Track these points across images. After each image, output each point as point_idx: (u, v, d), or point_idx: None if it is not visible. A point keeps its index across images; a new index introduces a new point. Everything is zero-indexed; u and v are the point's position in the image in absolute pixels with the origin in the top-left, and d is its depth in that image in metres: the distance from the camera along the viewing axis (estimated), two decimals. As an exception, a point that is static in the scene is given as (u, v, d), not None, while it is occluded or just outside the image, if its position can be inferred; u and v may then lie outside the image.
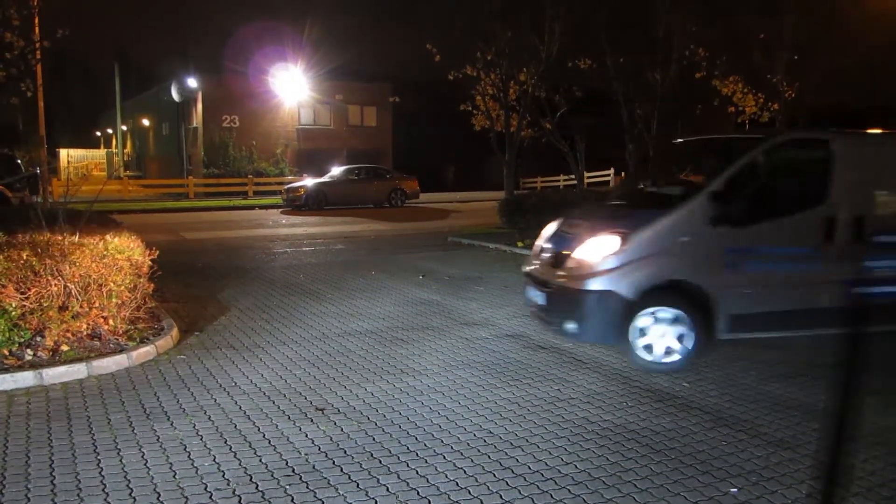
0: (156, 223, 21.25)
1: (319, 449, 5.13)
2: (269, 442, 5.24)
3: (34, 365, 6.54)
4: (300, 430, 5.47)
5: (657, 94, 23.07)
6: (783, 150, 7.69)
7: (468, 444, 5.25)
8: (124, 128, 56.75)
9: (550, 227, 8.35)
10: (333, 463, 4.90)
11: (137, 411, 5.81)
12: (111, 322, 7.39)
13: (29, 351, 6.75)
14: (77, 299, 7.06)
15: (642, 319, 7.04)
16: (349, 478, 4.68)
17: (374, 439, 5.31)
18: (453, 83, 24.68)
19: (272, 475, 4.71)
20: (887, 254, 6.56)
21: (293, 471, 4.78)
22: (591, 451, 5.15)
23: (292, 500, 4.38)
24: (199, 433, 5.38)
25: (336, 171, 30.19)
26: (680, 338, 7.05)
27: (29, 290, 6.86)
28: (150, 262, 8.35)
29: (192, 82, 38.08)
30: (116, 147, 56.74)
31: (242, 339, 8.04)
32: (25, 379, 6.34)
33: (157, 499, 4.38)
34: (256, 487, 4.54)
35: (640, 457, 5.06)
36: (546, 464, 4.93)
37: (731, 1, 23.51)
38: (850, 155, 7.36)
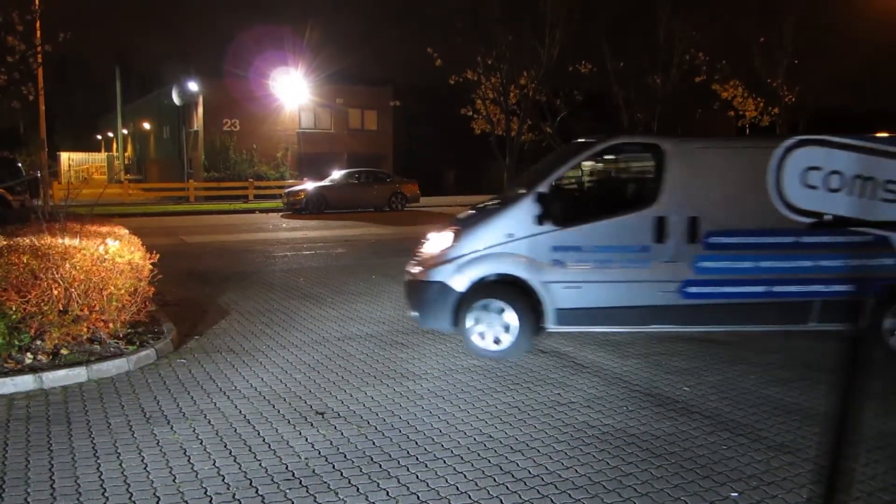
0: (156, 227, 21.26)
1: (319, 453, 5.12)
2: (269, 446, 5.24)
3: (34, 368, 6.54)
4: (300, 434, 5.47)
5: (657, 99, 23.12)
6: (613, 154, 8.13)
7: (468, 448, 5.24)
8: (125, 131, 56.82)
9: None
10: (333, 467, 4.90)
11: (137, 415, 5.81)
12: (111, 326, 7.39)
13: (29, 354, 6.74)
14: (77, 303, 7.06)
15: (476, 309, 7.58)
16: (349, 482, 4.68)
17: (374, 443, 5.30)
18: (454, 87, 24.72)
19: (272, 479, 4.70)
20: (719, 254, 7.45)
21: (293, 475, 4.77)
22: (592, 455, 5.15)
23: (292, 505, 4.37)
24: (199, 437, 5.38)
25: (336, 174, 30.20)
26: (508, 328, 7.52)
27: (29, 293, 6.86)
28: (150, 266, 8.35)
29: (192, 86, 38.11)
30: (117, 151, 56.80)
31: (242, 343, 8.04)
32: (25, 382, 6.34)
33: (157, 503, 4.37)
34: (256, 492, 4.54)
35: (640, 461, 5.06)
36: (546, 468, 4.93)
37: (732, 5, 23.57)
38: (682, 159, 7.62)
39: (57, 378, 6.48)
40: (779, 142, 7.64)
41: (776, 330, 8.01)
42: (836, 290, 7.53)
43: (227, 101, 37.57)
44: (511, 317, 7.50)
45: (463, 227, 7.93)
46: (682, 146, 7.76)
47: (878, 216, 7.43)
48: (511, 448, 5.25)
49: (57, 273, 7.04)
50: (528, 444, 5.32)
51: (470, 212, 8.45)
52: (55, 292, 6.94)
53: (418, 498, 4.48)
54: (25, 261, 7.17)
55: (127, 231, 10.17)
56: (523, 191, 7.83)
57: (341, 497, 4.47)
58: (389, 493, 4.53)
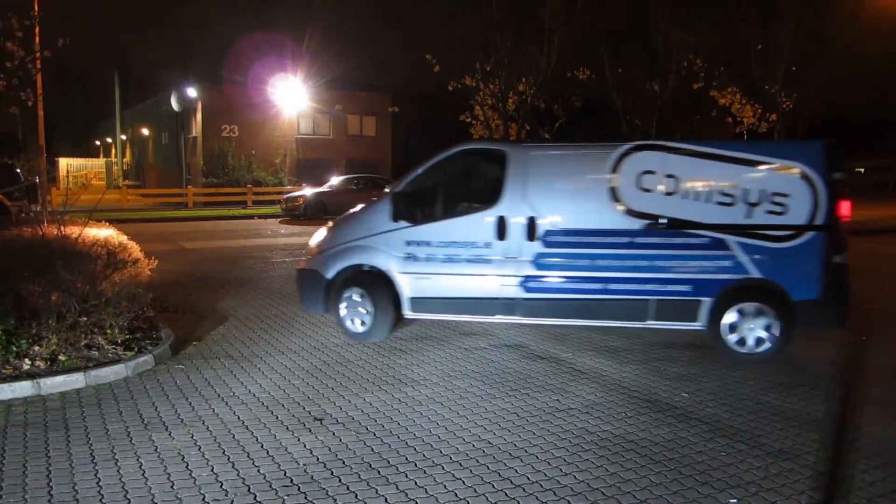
0: (155, 232, 21.24)
1: (318, 459, 5.11)
2: (268, 452, 5.23)
3: (31, 374, 6.53)
4: (298, 440, 5.46)
5: (656, 105, 23.16)
6: (463, 159, 8.74)
7: (467, 454, 5.24)
8: (123, 137, 56.82)
9: None
10: (332, 473, 4.89)
11: (135, 421, 5.80)
12: (109, 332, 7.38)
13: (27, 360, 6.73)
14: (75, 309, 7.05)
15: (346, 296, 8.51)
16: (347, 488, 4.67)
17: (372, 450, 5.29)
18: (452, 93, 24.76)
19: (270, 486, 4.69)
20: (556, 252, 8.03)
21: (291, 481, 4.76)
22: (590, 461, 5.14)
23: (290, 511, 4.36)
24: (197, 443, 5.37)
25: (335, 180, 30.20)
26: (370, 314, 8.39)
27: (27, 299, 6.85)
28: (148, 272, 8.34)
29: (191, 92, 38.13)
30: (116, 156, 56.78)
31: (241, 349, 8.03)
32: (23, 388, 6.32)
33: (155, 509, 4.36)
34: (255, 498, 4.53)
35: (639, 467, 5.05)
36: (545, 474, 4.92)
37: (730, 13, 23.64)
38: (521, 163, 8.17)
39: (55, 384, 6.47)
40: (616, 146, 8.03)
41: (616, 326, 8.38)
42: (672, 290, 7.81)
43: (226, 107, 37.58)
44: (373, 304, 8.35)
45: (336, 222, 9.05)
46: (522, 151, 8.33)
47: (712, 219, 7.70)
48: (510, 454, 5.24)
49: (54, 279, 7.03)
50: (526, 451, 5.31)
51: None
52: (53, 298, 6.93)
53: (417, 504, 4.47)
54: (23, 266, 7.15)
55: (125, 237, 10.16)
56: (387, 190, 8.65)
57: (339, 503, 4.47)
58: (388, 500, 4.52)
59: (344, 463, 5.06)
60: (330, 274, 8.57)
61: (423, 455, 5.21)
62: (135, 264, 8.01)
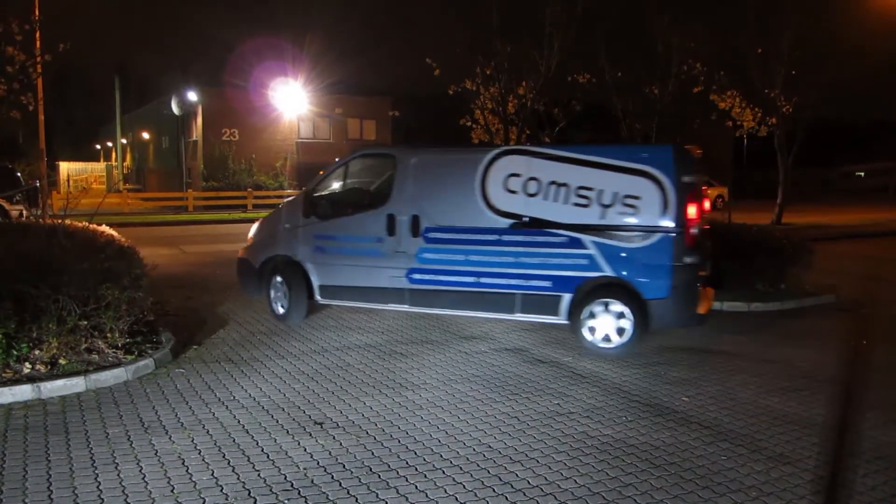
0: (155, 236, 21.25)
1: (318, 463, 5.11)
2: (268, 456, 5.22)
3: (32, 378, 6.52)
4: (299, 444, 5.46)
5: (656, 109, 23.16)
6: (362, 162, 9.73)
7: (467, 458, 5.23)
8: (124, 141, 56.86)
9: None
10: (332, 477, 4.88)
11: (135, 425, 5.79)
12: (109, 335, 7.37)
13: (27, 364, 6.73)
14: (75, 312, 7.05)
15: (271, 282, 9.63)
16: (348, 492, 4.67)
17: (373, 454, 5.29)
18: (453, 97, 24.76)
19: (270, 490, 4.69)
20: (435, 247, 8.71)
21: (292, 485, 4.76)
22: (591, 465, 5.14)
23: (291, 515, 4.36)
24: (198, 447, 5.37)
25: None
26: (288, 298, 9.43)
27: (27, 302, 6.85)
28: (148, 276, 8.33)
29: (192, 96, 38.17)
30: (116, 160, 56.82)
31: (241, 353, 8.02)
32: (23, 392, 6.32)
33: (155, 514, 4.36)
34: (255, 502, 4.52)
35: (639, 471, 5.05)
36: (545, 478, 4.92)
37: (729, 17, 23.64)
38: (407, 165, 8.98)
39: (55, 388, 6.46)
40: (488, 150, 8.71)
41: (490, 317, 9.06)
42: (535, 285, 8.34)
43: (227, 110, 37.63)
44: (290, 290, 9.40)
45: (266, 217, 10.30)
46: (408, 154, 9.12)
47: (570, 219, 8.14)
48: (510, 458, 5.24)
49: (55, 282, 7.03)
50: (527, 455, 5.31)
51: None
52: (53, 302, 6.93)
53: (417, 508, 4.47)
54: (23, 270, 7.15)
55: (125, 241, 10.15)
56: (302, 189, 9.46)
57: (340, 508, 4.46)
58: (388, 504, 4.52)
59: (344, 467, 5.06)
60: (258, 262, 9.85)
61: (424, 459, 5.21)
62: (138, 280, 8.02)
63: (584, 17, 21.32)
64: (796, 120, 25.64)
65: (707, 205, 7.84)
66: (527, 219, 8.32)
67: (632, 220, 7.92)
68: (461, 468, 5.06)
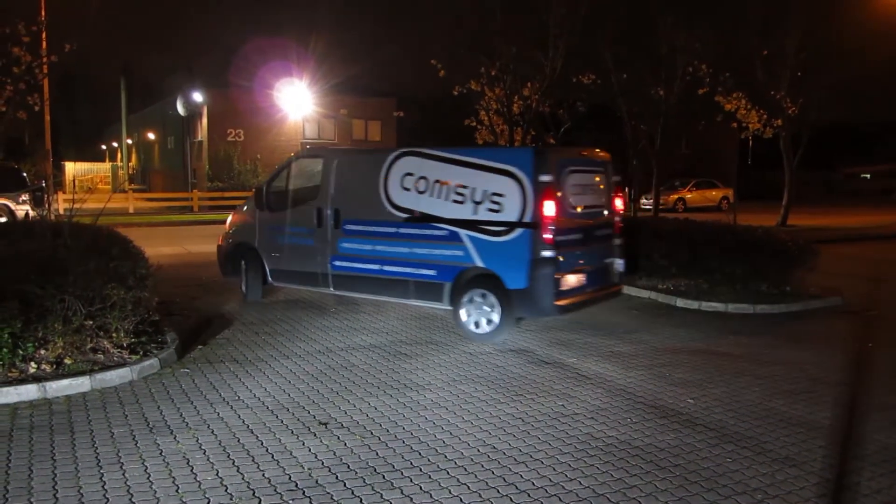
0: (160, 236, 21.29)
1: (323, 464, 5.11)
2: (273, 456, 5.23)
3: (37, 378, 6.54)
4: (303, 444, 5.46)
5: (661, 111, 23.12)
6: (301, 161, 10.98)
7: (472, 459, 5.23)
8: (129, 141, 56.96)
9: None
10: (336, 478, 4.89)
11: (141, 425, 5.81)
12: (115, 335, 7.39)
13: (32, 364, 6.75)
14: (80, 312, 7.06)
15: (240, 266, 10.93)
16: (352, 493, 4.67)
17: (377, 454, 5.29)
18: (457, 98, 24.75)
19: (275, 490, 4.69)
20: (350, 238, 9.73)
21: (296, 485, 4.76)
22: (596, 467, 5.13)
23: (295, 516, 4.36)
24: (203, 447, 5.37)
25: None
26: (247, 280, 10.85)
27: (33, 302, 6.87)
28: (153, 276, 8.35)
29: (197, 96, 38.21)
30: (121, 160, 56.95)
31: (246, 353, 8.03)
32: (29, 392, 6.34)
33: (160, 513, 4.37)
34: (259, 502, 4.53)
35: (644, 473, 5.04)
36: (550, 480, 4.91)
37: (735, 19, 23.59)
38: (330, 165, 10.06)
39: (60, 387, 6.48)
40: (390, 152, 9.70)
41: (395, 301, 9.92)
42: (423, 274, 9.16)
43: (232, 111, 37.68)
44: (251, 273, 10.79)
45: (237, 208, 11.62)
46: (332, 155, 10.36)
47: (450, 214, 8.92)
48: (515, 459, 5.24)
49: (60, 283, 7.04)
50: (531, 456, 5.30)
51: None
52: (58, 302, 6.94)
53: (422, 509, 4.47)
54: (29, 270, 7.17)
55: (131, 241, 10.18)
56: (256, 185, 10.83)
57: (344, 508, 4.47)
58: (393, 505, 4.52)
59: (349, 467, 5.06)
60: (228, 249, 11.24)
61: (428, 460, 5.21)
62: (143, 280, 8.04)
63: (589, 18, 21.29)
64: (802, 122, 25.59)
65: (553, 205, 8.33)
66: (418, 214, 9.16)
67: (498, 216, 8.59)
68: (465, 469, 5.06)
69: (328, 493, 4.66)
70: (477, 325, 8.77)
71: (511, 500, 4.61)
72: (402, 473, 4.97)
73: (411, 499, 4.60)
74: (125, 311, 7.44)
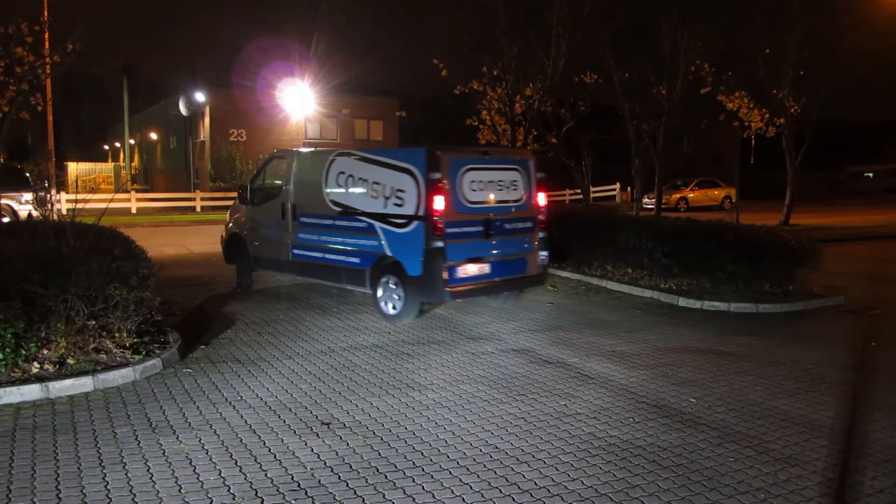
0: (163, 236, 21.32)
1: (325, 464, 5.12)
2: (275, 456, 5.23)
3: (40, 378, 6.56)
4: (306, 444, 5.46)
5: (663, 110, 23.08)
6: (273, 161, 12.14)
7: (474, 459, 5.23)
8: (132, 141, 56.96)
9: None
10: (339, 478, 4.89)
11: (143, 425, 5.81)
12: (117, 335, 7.40)
13: (35, 364, 6.76)
14: (83, 312, 7.08)
15: (235, 254, 12.33)
16: (355, 493, 4.67)
17: (379, 454, 5.29)
18: (459, 98, 24.73)
19: (278, 490, 4.70)
20: (304, 229, 10.87)
21: (299, 485, 4.77)
22: (598, 466, 5.13)
23: (297, 515, 4.36)
24: (205, 447, 5.38)
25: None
26: (239, 267, 12.27)
27: (36, 302, 6.88)
28: (156, 276, 8.36)
29: (199, 96, 38.26)
30: (124, 160, 57.01)
31: (248, 353, 8.04)
32: (32, 392, 6.35)
33: (163, 513, 4.37)
34: (262, 502, 4.53)
35: (646, 473, 5.04)
36: (552, 479, 4.91)
37: (737, 18, 23.56)
38: (290, 164, 11.30)
39: (63, 387, 6.49)
40: (330, 152, 10.81)
41: (333, 286, 11.11)
42: (350, 261, 10.19)
43: (234, 111, 37.73)
44: (244, 260, 12.12)
45: (233, 204, 12.84)
46: (293, 155, 11.53)
47: (369, 208, 9.86)
48: (517, 459, 5.24)
49: (63, 283, 7.05)
50: (534, 456, 5.30)
51: None
52: (61, 302, 6.95)
53: (424, 509, 4.47)
54: (32, 270, 7.17)
55: (133, 241, 10.19)
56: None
57: (347, 508, 4.47)
58: (395, 505, 4.52)
59: (351, 467, 5.06)
60: (228, 239, 12.62)
61: (431, 460, 5.21)
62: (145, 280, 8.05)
63: (591, 16, 21.25)
64: (804, 121, 25.54)
65: (442, 200, 9.06)
66: (346, 208, 10.20)
67: (401, 210, 9.42)
68: (468, 469, 5.06)
69: (331, 493, 4.67)
70: (390, 307, 9.71)
71: (513, 500, 4.61)
72: (404, 473, 4.97)
73: (413, 499, 4.60)
74: (128, 311, 7.46)
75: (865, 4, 24.18)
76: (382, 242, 9.65)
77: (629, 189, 40.32)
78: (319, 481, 4.83)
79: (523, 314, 10.19)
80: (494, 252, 9.69)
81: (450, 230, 9.12)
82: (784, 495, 4.73)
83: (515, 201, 9.95)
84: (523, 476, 4.96)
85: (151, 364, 7.21)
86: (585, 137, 25.62)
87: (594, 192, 35.76)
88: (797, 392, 6.86)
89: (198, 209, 33.92)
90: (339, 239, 10.29)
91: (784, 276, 11.31)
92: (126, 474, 4.89)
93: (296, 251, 10.98)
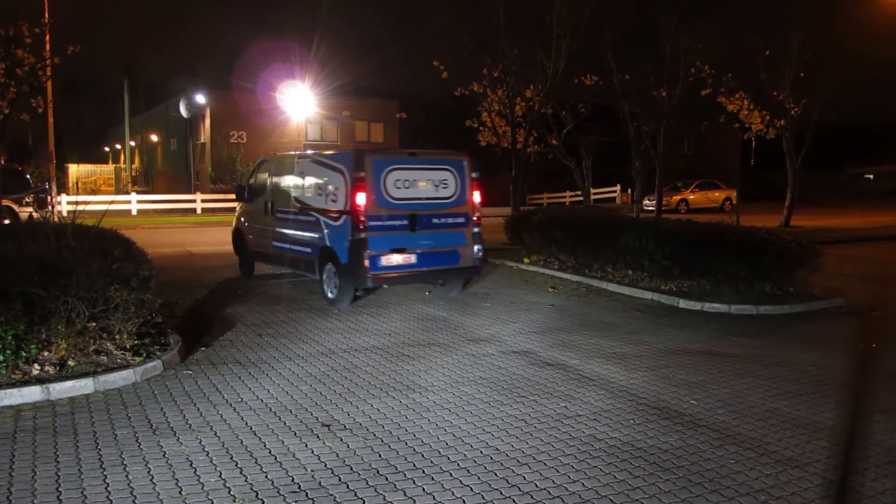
0: (163, 238, 21.32)
1: (325, 465, 5.12)
2: (276, 458, 5.23)
3: (41, 380, 6.55)
4: (306, 446, 5.46)
5: (663, 112, 23.10)
6: (261, 164, 13.32)
7: (475, 460, 5.23)
8: (133, 143, 57.02)
9: None
10: (339, 480, 4.89)
11: (144, 427, 5.81)
12: (118, 337, 7.40)
13: (36, 366, 6.76)
14: (84, 314, 7.08)
15: (239, 246, 13.80)
16: (355, 495, 4.67)
17: (380, 456, 5.29)
18: (459, 100, 24.75)
19: (278, 492, 4.70)
20: (278, 223, 12.17)
21: (299, 487, 4.76)
22: (599, 468, 5.13)
23: (298, 517, 4.36)
24: (206, 449, 5.38)
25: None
26: (242, 258, 13.84)
27: (36, 304, 6.88)
28: (156, 277, 8.36)
29: (200, 98, 38.30)
30: (125, 162, 57.03)
31: (249, 355, 8.04)
32: (32, 394, 6.35)
33: (163, 515, 4.37)
34: (262, 504, 4.53)
35: (647, 475, 5.03)
36: (553, 481, 4.91)
37: (738, 20, 23.58)
38: (271, 167, 12.77)
39: (64, 389, 6.49)
40: (295, 155, 12.30)
41: (299, 273, 12.19)
42: (304, 251, 11.39)
43: (235, 113, 37.75)
44: (242, 254, 13.71)
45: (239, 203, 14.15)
46: (271, 158, 13.19)
47: (316, 204, 11.08)
48: (518, 461, 5.23)
49: (64, 285, 7.05)
50: (534, 457, 5.30)
51: None
52: (62, 304, 6.95)
53: (425, 511, 4.46)
54: (33, 272, 7.17)
55: (134, 243, 10.19)
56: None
57: (347, 510, 4.46)
58: (396, 506, 4.52)
59: (352, 469, 5.06)
60: (233, 232, 14.03)
61: (431, 461, 5.21)
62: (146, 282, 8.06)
63: (591, 19, 21.27)
64: (804, 122, 25.55)
65: (364, 196, 10.07)
66: (304, 204, 11.38)
67: (335, 205, 10.57)
68: (468, 471, 5.06)
69: (331, 494, 4.66)
70: (329, 292, 10.82)
71: (514, 501, 4.61)
72: (404, 475, 4.97)
73: (414, 501, 4.60)
74: (128, 313, 7.46)
75: (866, 6, 24.20)
76: (324, 234, 10.79)
77: (629, 191, 40.36)
78: (320, 483, 4.83)
79: (524, 316, 10.19)
80: (424, 243, 10.58)
81: (372, 223, 10.12)
82: (785, 497, 4.72)
83: (446, 198, 10.80)
84: (523, 478, 4.95)
85: (152, 366, 7.21)
86: (586, 139, 25.64)
87: (594, 193, 35.78)
88: (798, 394, 6.85)
89: (198, 211, 33.93)
90: (299, 232, 11.50)
91: (785, 278, 11.30)
92: (127, 476, 4.89)
93: (274, 243, 12.29)
